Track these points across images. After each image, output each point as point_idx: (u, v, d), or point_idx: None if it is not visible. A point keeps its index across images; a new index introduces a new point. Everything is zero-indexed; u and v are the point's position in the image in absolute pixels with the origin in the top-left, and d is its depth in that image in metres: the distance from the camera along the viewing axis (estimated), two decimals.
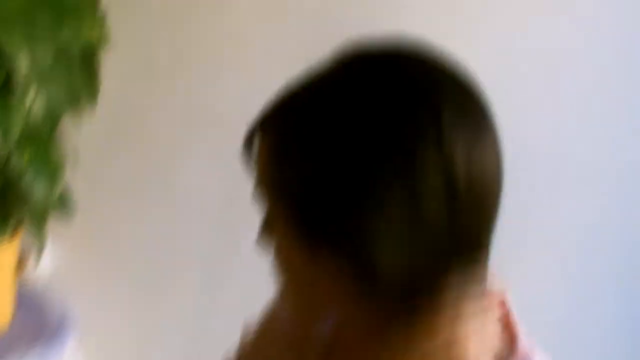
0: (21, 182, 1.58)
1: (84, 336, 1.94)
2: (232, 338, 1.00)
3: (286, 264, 0.74)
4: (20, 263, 1.96)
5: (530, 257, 2.01)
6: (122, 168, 1.96)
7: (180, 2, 1.83)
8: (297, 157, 0.68)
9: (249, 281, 1.64)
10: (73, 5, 1.59)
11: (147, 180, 1.98)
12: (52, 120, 1.58)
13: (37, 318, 1.89)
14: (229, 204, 1.96)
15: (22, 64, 1.43)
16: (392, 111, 0.66)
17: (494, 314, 0.77)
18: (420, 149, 0.65)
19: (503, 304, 0.80)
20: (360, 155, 0.65)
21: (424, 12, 1.84)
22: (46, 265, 2.03)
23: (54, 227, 1.94)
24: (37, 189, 1.59)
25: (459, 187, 0.66)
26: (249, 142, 0.74)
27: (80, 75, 1.68)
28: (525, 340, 0.79)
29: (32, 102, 1.53)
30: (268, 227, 0.75)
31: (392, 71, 0.69)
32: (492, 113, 0.72)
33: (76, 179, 1.87)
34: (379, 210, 0.65)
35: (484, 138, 0.69)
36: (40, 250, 1.77)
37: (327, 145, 0.66)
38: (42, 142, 1.62)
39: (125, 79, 1.85)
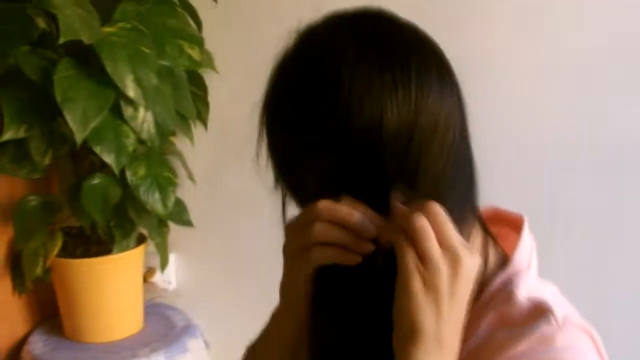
0: (138, 192, 1.73)
1: (208, 341, 2.07)
2: None
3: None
4: (148, 272, 2.13)
5: None
6: (237, 184, 2.08)
7: None
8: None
9: None
10: (173, 28, 1.74)
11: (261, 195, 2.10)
12: (162, 136, 1.72)
13: (164, 324, 2.04)
14: None
15: (129, 84, 1.58)
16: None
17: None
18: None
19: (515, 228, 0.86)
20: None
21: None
22: (171, 277, 2.20)
23: (176, 241, 2.10)
24: (152, 198, 1.74)
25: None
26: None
27: (187, 94, 1.83)
28: (524, 259, 0.83)
29: (142, 119, 1.67)
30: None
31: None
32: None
33: (195, 194, 2.03)
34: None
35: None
36: (163, 257, 1.92)
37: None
38: (155, 156, 1.77)
39: (234, 97, 1.98)
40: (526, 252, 0.84)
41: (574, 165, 1.85)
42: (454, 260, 0.69)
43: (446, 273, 0.69)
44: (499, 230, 0.88)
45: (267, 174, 0.84)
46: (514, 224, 0.88)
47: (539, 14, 1.80)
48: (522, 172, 1.86)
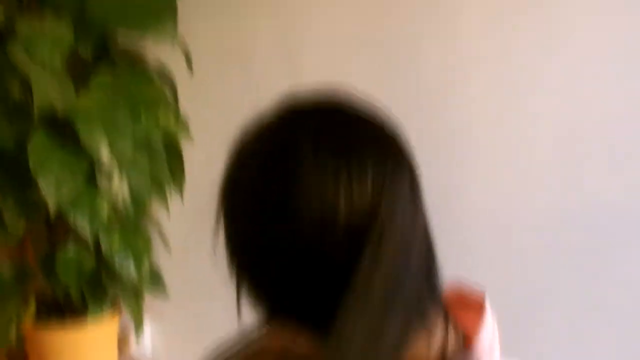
0: (113, 262, 1.72)
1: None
2: None
3: None
4: (122, 341, 2.10)
5: None
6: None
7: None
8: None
9: None
10: (149, 98, 1.76)
11: None
12: (137, 205, 1.73)
13: None
14: None
15: (103, 154, 1.59)
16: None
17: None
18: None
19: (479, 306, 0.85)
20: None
21: None
22: (147, 347, 2.17)
23: (152, 311, 2.08)
24: (126, 267, 1.73)
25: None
26: None
27: (163, 162, 1.84)
28: (485, 342, 0.82)
29: (117, 189, 1.68)
30: None
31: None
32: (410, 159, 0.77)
33: (171, 264, 2.02)
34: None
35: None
36: (138, 327, 1.90)
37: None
38: (130, 225, 1.77)
39: (210, 164, 1.99)
40: (488, 335, 0.83)
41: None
42: None
43: None
44: (464, 314, 0.87)
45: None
46: (476, 306, 0.87)
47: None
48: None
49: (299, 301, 0.74)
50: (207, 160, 2.00)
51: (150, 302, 1.99)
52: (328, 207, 0.71)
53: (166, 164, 1.85)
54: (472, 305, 0.87)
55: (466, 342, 0.83)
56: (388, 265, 0.72)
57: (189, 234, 2.06)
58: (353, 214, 0.71)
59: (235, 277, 0.81)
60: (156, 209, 1.96)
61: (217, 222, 0.80)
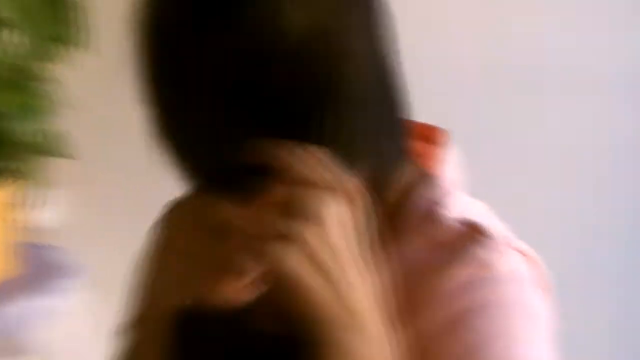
0: (7, 124, 1.56)
1: (91, 282, 1.94)
2: None
3: None
4: (26, 210, 1.96)
5: None
6: (126, 111, 1.92)
7: None
8: None
9: None
10: None
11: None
12: (35, 61, 1.56)
13: (45, 265, 1.89)
14: None
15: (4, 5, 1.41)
16: None
17: None
18: None
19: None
20: None
21: None
22: (53, 215, 2.04)
23: (57, 176, 1.94)
24: (22, 130, 1.58)
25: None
26: None
27: (65, 14, 1.66)
28: (448, 180, 0.75)
29: (10, 43, 1.51)
30: None
31: None
32: None
33: (77, 123, 1.86)
34: None
35: None
36: (41, 194, 1.76)
37: None
38: (26, 83, 1.60)
39: (120, 16, 1.81)
40: (451, 168, 0.76)
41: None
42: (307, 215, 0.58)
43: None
44: (417, 145, 0.78)
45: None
46: (433, 138, 0.79)
47: None
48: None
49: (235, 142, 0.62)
50: (116, 11, 1.82)
51: (56, 166, 1.85)
52: (280, 17, 0.60)
53: (69, 14, 1.67)
54: (434, 140, 0.78)
55: (427, 178, 0.74)
56: (344, 96, 0.63)
57: (97, 92, 1.90)
58: (308, 29, 0.61)
59: (162, 124, 0.68)
60: (58, 65, 1.78)
61: (140, 58, 0.66)
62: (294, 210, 0.57)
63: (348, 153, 0.64)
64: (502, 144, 1.88)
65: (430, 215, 0.71)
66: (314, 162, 0.59)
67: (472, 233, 0.69)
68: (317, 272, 0.57)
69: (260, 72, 0.61)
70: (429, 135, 0.78)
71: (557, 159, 1.91)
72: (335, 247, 0.58)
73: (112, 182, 2.02)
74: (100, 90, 1.90)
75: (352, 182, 0.60)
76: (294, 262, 0.56)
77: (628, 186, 1.93)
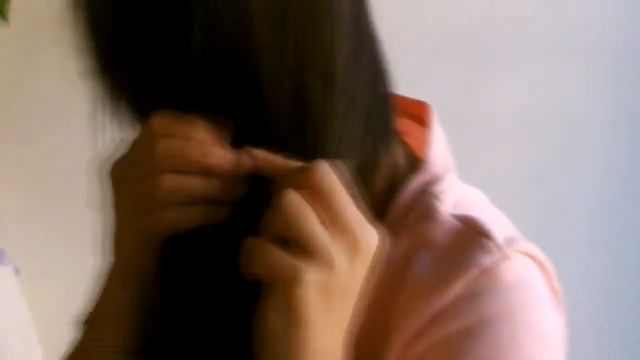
0: None
1: (18, 268, 1.83)
2: None
3: None
4: None
5: None
6: (44, 87, 1.80)
7: None
8: None
9: None
10: None
11: (75, 98, 1.84)
12: None
13: None
14: None
15: None
16: None
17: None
18: None
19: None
20: None
21: None
22: None
23: None
24: None
25: None
26: None
27: None
28: (438, 160, 0.65)
29: None
30: None
31: None
32: None
33: None
34: None
35: None
36: None
37: None
38: None
39: None
40: (440, 149, 0.66)
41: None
42: (351, 247, 0.49)
43: (343, 267, 0.49)
44: (399, 122, 0.68)
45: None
46: (417, 115, 0.69)
47: None
48: None
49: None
50: None
51: None
52: None
53: None
54: (412, 111, 0.69)
55: (414, 159, 0.64)
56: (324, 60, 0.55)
57: (13, 65, 1.78)
58: None
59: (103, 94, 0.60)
60: None
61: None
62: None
63: (335, 137, 0.56)
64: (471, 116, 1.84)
65: (421, 207, 0.61)
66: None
67: (471, 232, 0.58)
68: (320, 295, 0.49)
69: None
70: (414, 111, 0.69)
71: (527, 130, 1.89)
72: (353, 284, 0.50)
73: (34, 159, 1.91)
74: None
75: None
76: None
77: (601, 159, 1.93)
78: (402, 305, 0.58)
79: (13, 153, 1.87)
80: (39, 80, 1.77)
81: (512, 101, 1.86)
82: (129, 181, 0.55)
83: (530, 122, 1.88)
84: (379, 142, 0.62)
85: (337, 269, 0.48)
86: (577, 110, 1.89)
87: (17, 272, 1.83)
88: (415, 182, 0.62)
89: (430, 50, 1.79)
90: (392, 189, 0.62)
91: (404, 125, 0.67)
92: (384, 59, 0.62)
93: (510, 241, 0.58)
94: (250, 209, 0.52)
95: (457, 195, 0.62)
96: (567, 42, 1.85)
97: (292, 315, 0.48)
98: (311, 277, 0.48)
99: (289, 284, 0.48)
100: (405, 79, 0.65)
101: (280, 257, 0.48)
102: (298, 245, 0.48)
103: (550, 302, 0.59)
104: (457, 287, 0.56)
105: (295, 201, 0.48)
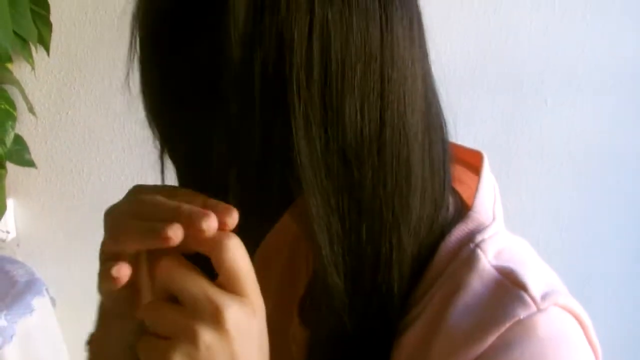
0: None
1: (55, 295, 1.83)
2: None
3: None
4: None
5: None
6: (85, 118, 1.83)
7: None
8: None
9: None
10: None
11: (111, 131, 1.86)
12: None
13: (3, 279, 1.77)
14: None
15: None
16: None
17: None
18: None
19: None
20: None
21: None
22: (10, 226, 1.92)
23: (14, 185, 1.83)
24: None
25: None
26: None
27: (27, 12, 1.56)
28: (486, 205, 0.65)
29: None
30: None
31: None
32: None
33: (36, 130, 1.77)
34: None
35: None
36: (0, 204, 1.66)
37: None
38: None
39: (82, 17, 1.71)
40: (489, 198, 0.65)
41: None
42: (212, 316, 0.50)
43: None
44: (462, 173, 0.68)
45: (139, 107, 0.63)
46: (470, 161, 0.68)
47: None
48: None
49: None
50: (78, 12, 1.73)
51: (13, 175, 1.75)
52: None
53: (30, 14, 1.57)
54: (464, 157, 0.69)
55: (463, 207, 0.64)
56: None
57: (57, 97, 1.80)
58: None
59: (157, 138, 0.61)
60: (19, 68, 1.68)
61: (131, 50, 0.58)
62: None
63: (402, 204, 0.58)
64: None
65: (463, 257, 0.60)
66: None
67: (509, 284, 0.57)
68: None
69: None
70: (468, 159, 0.69)
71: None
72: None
73: (69, 190, 1.92)
74: (60, 95, 1.81)
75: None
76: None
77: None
78: (438, 351, 0.58)
79: (53, 185, 1.89)
80: (78, 109, 1.80)
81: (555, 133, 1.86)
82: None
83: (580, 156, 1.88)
84: (443, 199, 0.62)
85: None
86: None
87: (53, 303, 1.84)
88: (460, 231, 0.62)
89: (479, 87, 1.80)
90: (439, 238, 0.62)
91: (457, 172, 0.68)
92: (441, 110, 0.62)
93: (548, 295, 0.57)
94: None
95: (500, 245, 0.61)
96: (616, 75, 1.85)
97: None
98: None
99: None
100: (456, 117, 0.65)
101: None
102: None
103: (587, 356, 0.58)
104: (492, 339, 0.55)
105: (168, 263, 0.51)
